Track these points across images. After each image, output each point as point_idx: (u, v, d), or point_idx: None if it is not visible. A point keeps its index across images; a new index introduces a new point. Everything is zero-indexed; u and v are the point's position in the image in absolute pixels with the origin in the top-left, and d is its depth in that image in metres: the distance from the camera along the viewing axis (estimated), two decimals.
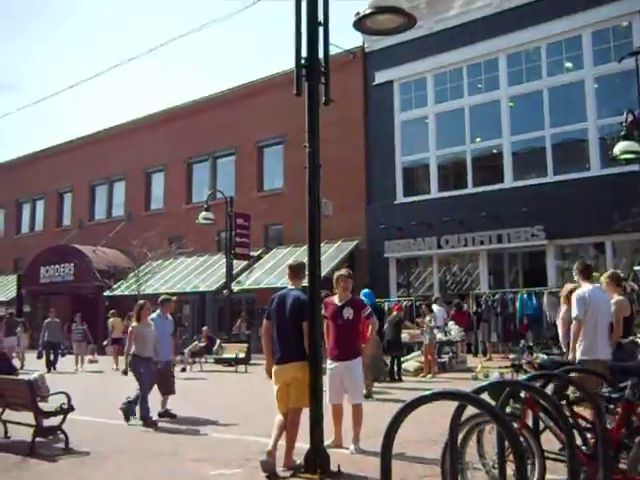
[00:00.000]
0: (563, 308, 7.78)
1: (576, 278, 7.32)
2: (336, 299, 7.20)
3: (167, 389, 9.67)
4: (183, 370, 17.38)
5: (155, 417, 9.05)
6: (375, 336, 10.15)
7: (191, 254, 26.32)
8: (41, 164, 34.89)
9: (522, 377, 5.25)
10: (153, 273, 25.46)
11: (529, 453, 4.30)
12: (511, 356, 12.51)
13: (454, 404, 3.40)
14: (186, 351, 18.80)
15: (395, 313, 14.92)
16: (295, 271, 6.63)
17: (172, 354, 10.37)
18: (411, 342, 16.46)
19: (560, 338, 7.86)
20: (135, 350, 9.23)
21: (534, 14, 19.13)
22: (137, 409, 8.98)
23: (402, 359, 14.61)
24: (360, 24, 5.64)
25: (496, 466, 4.00)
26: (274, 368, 6.30)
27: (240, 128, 25.83)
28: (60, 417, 7.49)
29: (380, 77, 22.38)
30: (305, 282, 6.41)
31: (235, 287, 22.20)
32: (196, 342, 19.79)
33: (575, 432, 4.12)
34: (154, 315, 9.82)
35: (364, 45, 22.57)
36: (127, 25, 76.86)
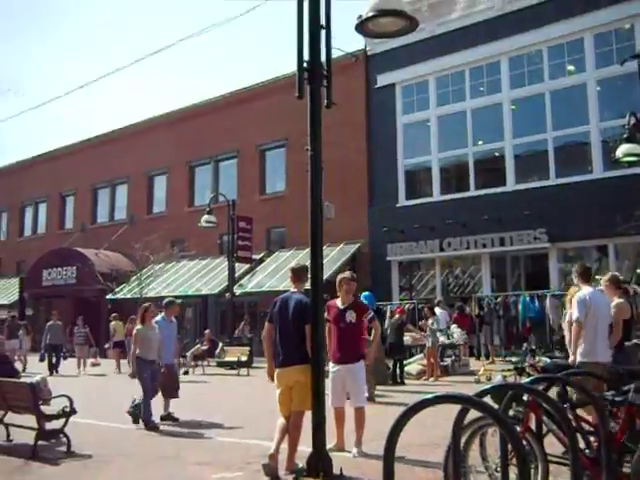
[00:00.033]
0: (569, 311, 7.76)
1: (575, 281, 7.32)
2: (339, 302, 7.19)
3: (170, 393, 9.64)
4: (185, 373, 17.37)
5: (157, 420, 9.05)
6: (378, 339, 10.13)
7: (193, 257, 26.33)
8: (43, 167, 34.94)
9: (525, 380, 5.24)
10: (155, 276, 25.50)
11: (532, 456, 4.27)
12: (514, 359, 12.49)
13: (457, 407, 3.40)
14: (188, 354, 18.82)
15: (397, 316, 14.91)
16: (297, 274, 6.63)
17: (177, 357, 10.35)
18: (413, 345, 16.47)
19: (566, 342, 7.83)
20: (139, 353, 9.22)
21: (536, 17, 19.14)
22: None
23: (404, 362, 14.61)
24: (362, 27, 5.63)
25: (499, 469, 3.97)
26: (277, 371, 6.29)
27: (242, 131, 25.86)
28: (62, 420, 7.49)
29: (382, 80, 22.38)
30: (307, 285, 6.41)
31: (237, 290, 22.17)
32: (198, 345, 19.82)
33: (578, 435, 4.11)
34: (158, 318, 9.81)
35: (366, 48, 22.56)
36: (127, 25, 77.08)
